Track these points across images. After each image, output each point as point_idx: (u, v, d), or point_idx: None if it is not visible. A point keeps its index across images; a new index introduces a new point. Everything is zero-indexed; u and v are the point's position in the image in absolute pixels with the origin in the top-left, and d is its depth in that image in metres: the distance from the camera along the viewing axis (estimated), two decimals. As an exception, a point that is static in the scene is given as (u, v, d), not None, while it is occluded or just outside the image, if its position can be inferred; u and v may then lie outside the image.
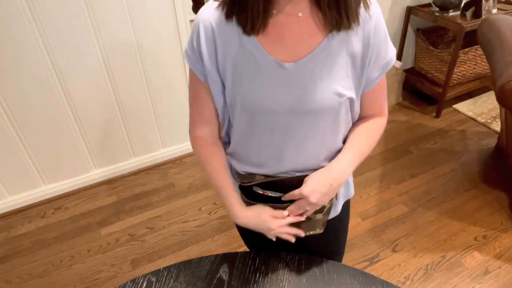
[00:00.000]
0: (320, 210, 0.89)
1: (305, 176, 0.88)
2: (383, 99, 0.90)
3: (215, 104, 0.87)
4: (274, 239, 0.91)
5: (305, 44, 0.77)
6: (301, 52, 0.77)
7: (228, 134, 0.94)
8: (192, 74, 0.85)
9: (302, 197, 0.83)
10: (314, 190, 0.83)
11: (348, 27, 0.75)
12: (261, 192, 0.90)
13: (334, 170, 0.85)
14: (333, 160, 0.87)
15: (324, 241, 1.06)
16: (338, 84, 0.78)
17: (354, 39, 0.77)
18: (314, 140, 0.85)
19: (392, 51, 0.83)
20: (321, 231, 0.94)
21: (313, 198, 0.82)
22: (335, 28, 0.75)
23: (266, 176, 0.91)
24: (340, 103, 0.80)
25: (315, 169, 0.88)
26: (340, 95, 0.79)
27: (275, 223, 0.87)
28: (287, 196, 0.87)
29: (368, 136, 0.89)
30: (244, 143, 0.89)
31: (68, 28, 1.81)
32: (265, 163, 0.90)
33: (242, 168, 0.94)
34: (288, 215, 0.88)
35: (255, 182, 0.90)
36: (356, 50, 0.78)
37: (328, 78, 0.77)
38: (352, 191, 1.05)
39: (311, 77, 0.77)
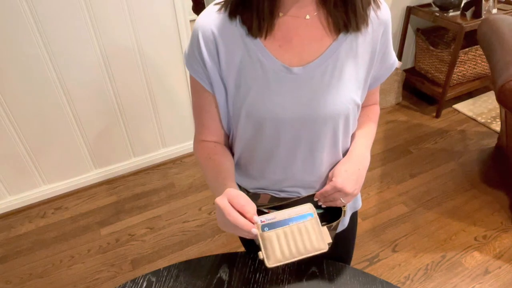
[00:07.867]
0: (327, 227, 0.84)
1: (312, 195, 0.86)
2: (378, 91, 0.95)
3: (220, 115, 0.81)
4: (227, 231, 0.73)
5: (313, 47, 0.73)
6: (309, 56, 0.73)
7: (231, 146, 0.89)
8: (194, 83, 0.79)
9: (336, 191, 0.80)
10: (346, 179, 0.80)
11: (356, 28, 0.72)
12: (266, 211, 0.87)
13: (356, 156, 0.84)
14: (350, 148, 0.86)
15: (333, 254, 1.03)
16: (348, 89, 0.76)
17: (362, 41, 0.75)
18: (322, 149, 0.82)
19: (393, 53, 0.86)
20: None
21: (349, 188, 0.79)
22: (343, 29, 0.72)
23: (271, 197, 0.88)
24: (349, 109, 0.77)
25: (319, 186, 0.86)
26: (351, 100, 0.76)
27: (236, 217, 0.67)
28: (318, 195, 0.84)
29: (373, 122, 0.92)
30: (248, 154, 0.85)
31: (68, 29, 1.81)
32: (269, 176, 0.86)
33: (244, 181, 0.91)
34: (318, 201, 0.85)
35: (259, 206, 0.85)
36: (364, 54, 0.76)
37: (338, 83, 0.75)
38: (359, 203, 1.03)
39: (321, 82, 0.74)
